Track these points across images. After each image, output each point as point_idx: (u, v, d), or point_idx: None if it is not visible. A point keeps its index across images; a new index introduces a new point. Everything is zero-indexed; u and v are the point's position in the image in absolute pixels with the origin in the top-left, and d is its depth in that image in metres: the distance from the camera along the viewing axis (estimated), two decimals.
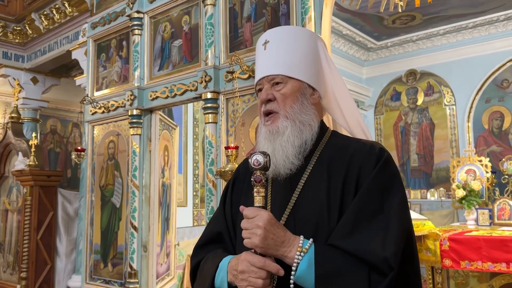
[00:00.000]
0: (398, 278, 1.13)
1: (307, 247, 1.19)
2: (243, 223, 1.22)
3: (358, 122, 1.56)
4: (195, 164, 7.14)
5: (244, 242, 1.21)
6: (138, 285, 4.22)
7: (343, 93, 1.55)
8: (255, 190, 1.23)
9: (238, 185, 1.54)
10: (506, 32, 7.55)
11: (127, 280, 4.25)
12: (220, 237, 1.48)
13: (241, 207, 1.26)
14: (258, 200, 1.23)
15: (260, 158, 1.23)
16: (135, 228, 4.26)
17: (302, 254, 1.18)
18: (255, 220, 1.19)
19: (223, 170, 3.13)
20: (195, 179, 7.12)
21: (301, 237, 1.21)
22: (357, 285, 1.13)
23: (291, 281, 1.19)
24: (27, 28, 6.38)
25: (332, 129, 1.52)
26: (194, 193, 7.10)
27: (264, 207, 1.23)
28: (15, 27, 6.46)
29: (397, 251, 1.15)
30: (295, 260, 1.18)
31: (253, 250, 1.21)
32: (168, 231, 4.90)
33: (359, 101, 8.91)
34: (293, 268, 1.18)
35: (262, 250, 1.19)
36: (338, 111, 1.54)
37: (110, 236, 4.59)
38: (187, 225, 6.77)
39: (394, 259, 1.13)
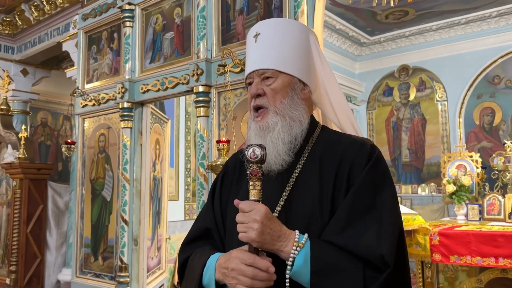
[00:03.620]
0: (392, 274, 1.14)
1: (303, 242, 1.17)
2: (239, 217, 1.18)
3: (348, 117, 1.55)
4: (187, 158, 7.12)
5: (239, 236, 1.17)
6: (128, 279, 4.21)
7: (334, 88, 1.53)
8: (251, 183, 1.20)
9: (227, 181, 1.52)
10: (498, 28, 7.58)
11: (118, 274, 4.23)
12: (209, 233, 1.46)
13: (236, 201, 1.22)
14: (254, 193, 1.20)
15: (257, 150, 1.19)
16: (125, 221, 4.24)
17: (298, 249, 1.16)
18: (252, 214, 1.16)
19: (214, 164, 3.12)
20: (187, 173, 7.10)
21: (297, 232, 1.19)
22: (352, 281, 1.13)
23: (287, 276, 1.17)
24: (17, 19, 6.30)
25: (321, 123, 1.51)
26: (186, 187, 7.08)
27: (260, 201, 1.20)
28: (4, 18, 6.37)
29: (392, 248, 1.16)
30: (291, 255, 1.16)
31: (246, 245, 1.19)
32: (159, 225, 4.88)
33: (351, 96, 8.92)
34: (289, 263, 1.16)
35: (259, 245, 1.16)
36: (329, 106, 1.53)
37: (101, 229, 4.56)
38: (179, 219, 6.76)
39: (390, 256, 1.14)
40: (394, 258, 1.14)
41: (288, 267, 1.16)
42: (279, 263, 1.19)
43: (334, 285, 1.13)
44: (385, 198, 1.24)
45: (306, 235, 1.19)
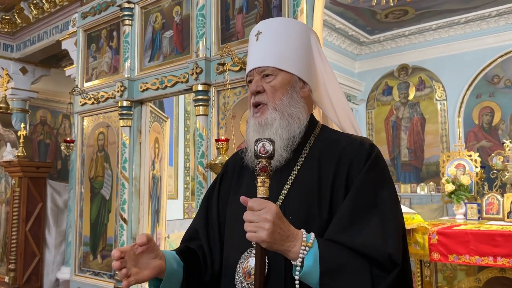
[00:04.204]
0: (400, 272, 1.14)
1: (311, 241, 1.14)
2: (248, 216, 1.13)
3: (348, 117, 1.55)
4: (186, 157, 7.11)
5: (247, 235, 1.13)
6: None
7: (334, 87, 1.54)
8: (259, 180, 1.14)
9: (226, 180, 1.52)
10: (498, 28, 7.58)
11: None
12: (197, 235, 1.48)
13: (243, 198, 1.17)
14: (263, 191, 1.14)
15: (267, 145, 1.14)
16: (124, 220, 4.24)
17: (307, 248, 1.13)
18: (262, 213, 1.11)
19: (213, 162, 3.12)
20: (186, 171, 7.09)
21: (303, 231, 1.17)
22: (361, 280, 1.12)
23: (296, 277, 1.14)
24: (16, 17, 6.29)
25: (322, 123, 1.51)
26: (185, 186, 7.07)
27: (268, 198, 1.15)
28: (4, 16, 6.36)
29: (399, 247, 1.16)
30: (300, 255, 1.13)
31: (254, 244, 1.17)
32: (158, 224, 4.88)
33: (351, 95, 8.92)
34: (298, 263, 1.13)
35: (268, 245, 1.12)
36: (329, 105, 1.53)
37: (100, 228, 4.56)
38: (178, 218, 6.75)
39: (397, 255, 1.14)
40: (401, 257, 1.14)
41: (297, 268, 1.13)
42: (276, 263, 1.19)
43: (343, 285, 1.12)
44: (386, 196, 1.24)
45: (312, 234, 1.17)
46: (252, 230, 1.12)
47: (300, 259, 1.13)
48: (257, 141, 1.16)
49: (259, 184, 1.14)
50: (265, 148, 1.14)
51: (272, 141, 1.16)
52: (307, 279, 1.14)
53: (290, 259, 1.15)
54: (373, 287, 1.12)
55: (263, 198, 1.14)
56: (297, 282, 1.14)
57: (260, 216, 1.11)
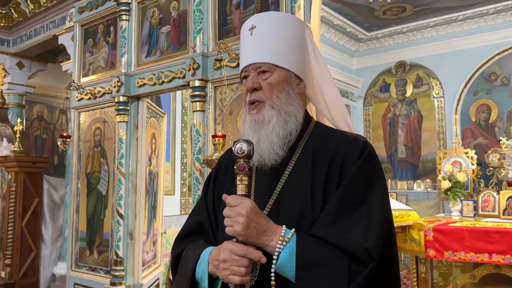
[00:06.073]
0: (378, 268, 1.14)
1: (289, 236, 1.18)
2: (226, 211, 1.20)
3: (341, 113, 1.54)
4: (183, 153, 7.10)
5: (226, 230, 1.19)
6: (124, 273, 4.21)
7: (327, 83, 1.52)
8: (238, 178, 1.21)
9: (221, 176, 1.52)
10: (495, 25, 7.59)
11: (113, 268, 4.23)
12: (202, 228, 1.47)
13: (224, 195, 1.24)
14: (241, 188, 1.21)
15: (244, 146, 1.20)
16: (121, 215, 4.24)
17: (284, 243, 1.17)
18: (238, 208, 1.18)
19: (210, 158, 3.12)
20: (183, 167, 7.09)
21: (284, 226, 1.21)
22: (337, 275, 1.14)
23: (272, 270, 1.18)
24: (13, 11, 6.26)
25: (315, 119, 1.51)
26: (182, 182, 7.07)
27: (247, 195, 1.22)
28: (0, 10, 6.32)
29: (378, 242, 1.16)
30: (277, 249, 1.17)
31: (234, 239, 1.21)
32: (155, 219, 4.88)
33: (348, 92, 8.92)
34: (274, 257, 1.17)
35: (244, 238, 1.18)
36: (322, 101, 1.52)
37: (96, 223, 4.56)
38: (175, 214, 6.75)
39: (375, 250, 1.14)
40: (379, 252, 1.15)
41: (274, 261, 1.17)
42: (266, 257, 1.20)
43: (318, 279, 1.14)
44: (375, 193, 1.24)
45: (293, 230, 1.20)
46: (229, 225, 1.19)
47: (276, 253, 1.17)
48: (235, 142, 1.22)
49: (237, 182, 1.22)
50: (242, 148, 1.20)
51: (249, 142, 1.21)
52: (283, 272, 1.18)
53: (269, 253, 1.19)
54: (349, 282, 1.13)
55: (241, 195, 1.21)
56: (272, 274, 1.19)
57: (235, 211, 1.18)
